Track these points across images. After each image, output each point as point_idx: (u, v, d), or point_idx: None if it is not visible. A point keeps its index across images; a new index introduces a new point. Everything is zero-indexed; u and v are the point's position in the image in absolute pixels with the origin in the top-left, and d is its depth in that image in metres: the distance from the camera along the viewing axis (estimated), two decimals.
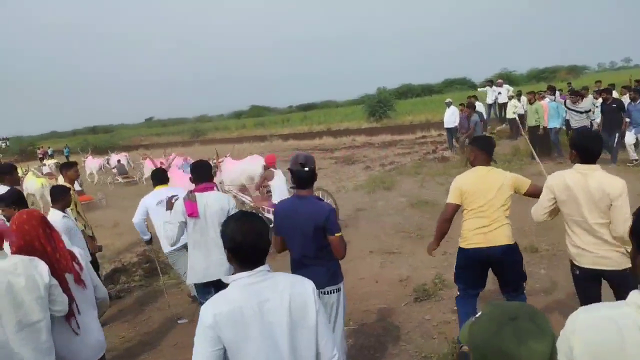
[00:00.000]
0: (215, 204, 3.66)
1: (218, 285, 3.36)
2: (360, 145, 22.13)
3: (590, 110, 10.51)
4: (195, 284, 3.90)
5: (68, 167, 5.53)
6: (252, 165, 8.77)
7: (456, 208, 3.48)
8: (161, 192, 4.70)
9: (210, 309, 1.68)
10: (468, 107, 13.09)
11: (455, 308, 4.13)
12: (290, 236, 2.97)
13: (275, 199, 6.70)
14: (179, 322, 4.90)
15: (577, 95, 10.72)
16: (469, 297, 3.56)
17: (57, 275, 2.38)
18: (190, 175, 3.86)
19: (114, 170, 18.08)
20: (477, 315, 1.12)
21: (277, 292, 1.73)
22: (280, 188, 6.75)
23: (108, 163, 19.11)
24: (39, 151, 35.56)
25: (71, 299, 2.45)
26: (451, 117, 14.39)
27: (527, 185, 3.38)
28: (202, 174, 3.78)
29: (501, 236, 3.33)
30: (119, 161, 18.41)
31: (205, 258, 3.65)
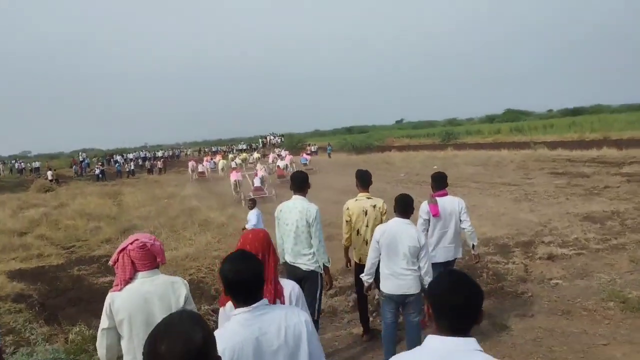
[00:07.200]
0: (451, 206, 4.60)
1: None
2: None
3: None
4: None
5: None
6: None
7: None
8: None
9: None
10: None
11: None
12: None
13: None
14: None
15: None
16: None
17: None
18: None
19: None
20: None
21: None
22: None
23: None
24: (307, 147, 40.85)
25: None
26: None
27: None
28: (441, 182, 4.68)
29: None
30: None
31: (446, 246, 4.64)
